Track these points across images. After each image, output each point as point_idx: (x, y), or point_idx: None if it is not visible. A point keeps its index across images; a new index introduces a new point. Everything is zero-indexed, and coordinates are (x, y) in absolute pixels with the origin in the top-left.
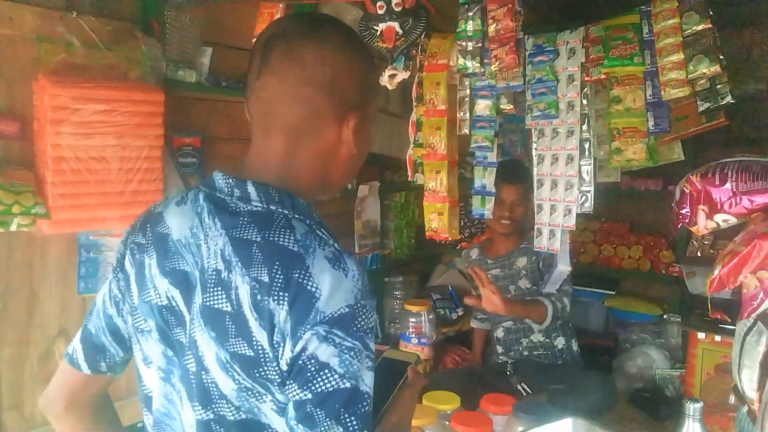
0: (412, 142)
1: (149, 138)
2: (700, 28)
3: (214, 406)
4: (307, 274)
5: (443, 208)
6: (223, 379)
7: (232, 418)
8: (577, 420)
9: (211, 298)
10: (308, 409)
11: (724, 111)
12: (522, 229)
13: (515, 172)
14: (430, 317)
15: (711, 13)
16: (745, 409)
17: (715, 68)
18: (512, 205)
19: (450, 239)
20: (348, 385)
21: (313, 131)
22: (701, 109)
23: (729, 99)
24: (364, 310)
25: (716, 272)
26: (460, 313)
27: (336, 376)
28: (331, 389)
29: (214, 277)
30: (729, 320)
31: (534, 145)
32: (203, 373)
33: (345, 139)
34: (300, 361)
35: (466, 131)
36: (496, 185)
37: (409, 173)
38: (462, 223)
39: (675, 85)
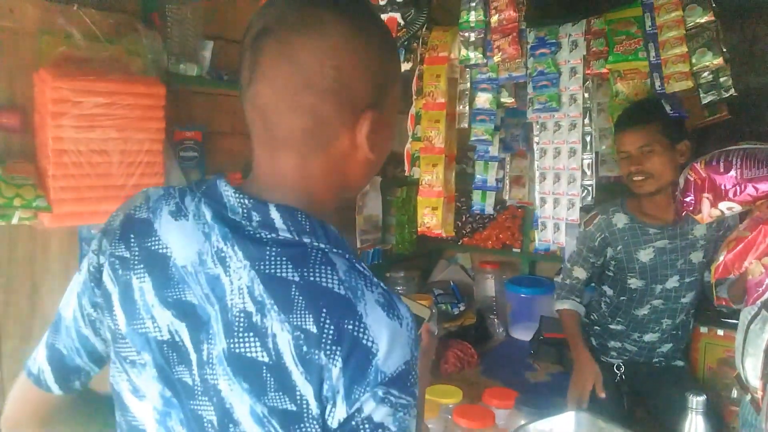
0: (410, 136)
1: (150, 131)
2: (702, 20)
3: None
4: (362, 325)
5: (438, 203)
6: None
7: None
8: (580, 413)
9: (241, 345)
10: None
11: (726, 105)
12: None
13: (638, 113)
14: (432, 312)
15: (713, 5)
16: (748, 398)
17: (719, 61)
18: (639, 154)
19: (444, 235)
20: None
21: (321, 143)
22: (705, 101)
23: (732, 92)
24: (416, 361)
25: (721, 258)
26: (462, 308)
27: None
28: None
29: (243, 319)
30: (734, 307)
31: (536, 139)
32: (231, 425)
33: (359, 144)
34: (353, 422)
35: (465, 125)
36: (616, 136)
37: (406, 167)
38: (463, 219)
39: (679, 77)
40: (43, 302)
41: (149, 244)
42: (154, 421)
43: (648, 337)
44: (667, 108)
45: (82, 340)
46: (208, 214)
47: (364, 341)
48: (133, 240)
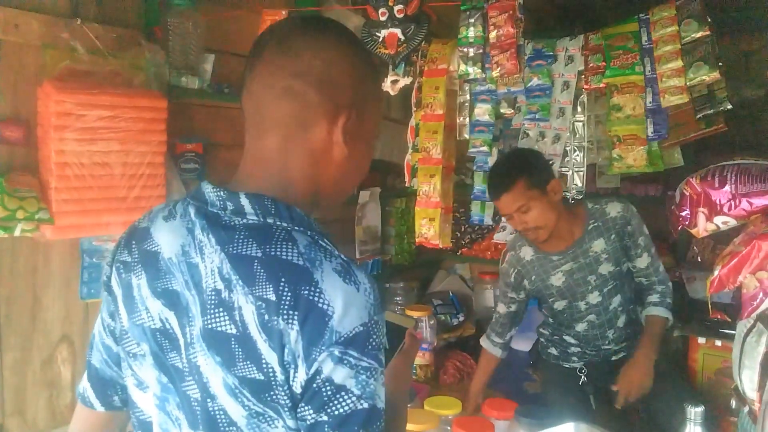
0: (410, 147)
1: (152, 144)
2: (698, 35)
3: None
4: (317, 290)
5: (435, 213)
6: (232, 406)
7: None
8: (579, 425)
9: (213, 321)
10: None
11: (723, 116)
12: (576, 212)
13: (500, 180)
14: (431, 323)
15: (709, 20)
16: (746, 409)
17: (714, 75)
18: (519, 214)
19: (441, 246)
20: (366, 405)
21: (302, 128)
22: (700, 115)
23: (727, 105)
24: (377, 327)
25: (716, 273)
26: (461, 318)
27: (353, 398)
28: (348, 411)
29: (213, 297)
30: (729, 320)
31: (519, 144)
32: (209, 400)
33: (335, 140)
34: (315, 384)
35: (466, 136)
36: (492, 202)
37: (407, 178)
38: (462, 229)
39: (674, 92)
40: (44, 314)
41: (146, 246)
42: (155, 407)
43: (605, 347)
44: (650, 129)
45: (107, 350)
46: (192, 212)
47: (320, 304)
48: (134, 245)
